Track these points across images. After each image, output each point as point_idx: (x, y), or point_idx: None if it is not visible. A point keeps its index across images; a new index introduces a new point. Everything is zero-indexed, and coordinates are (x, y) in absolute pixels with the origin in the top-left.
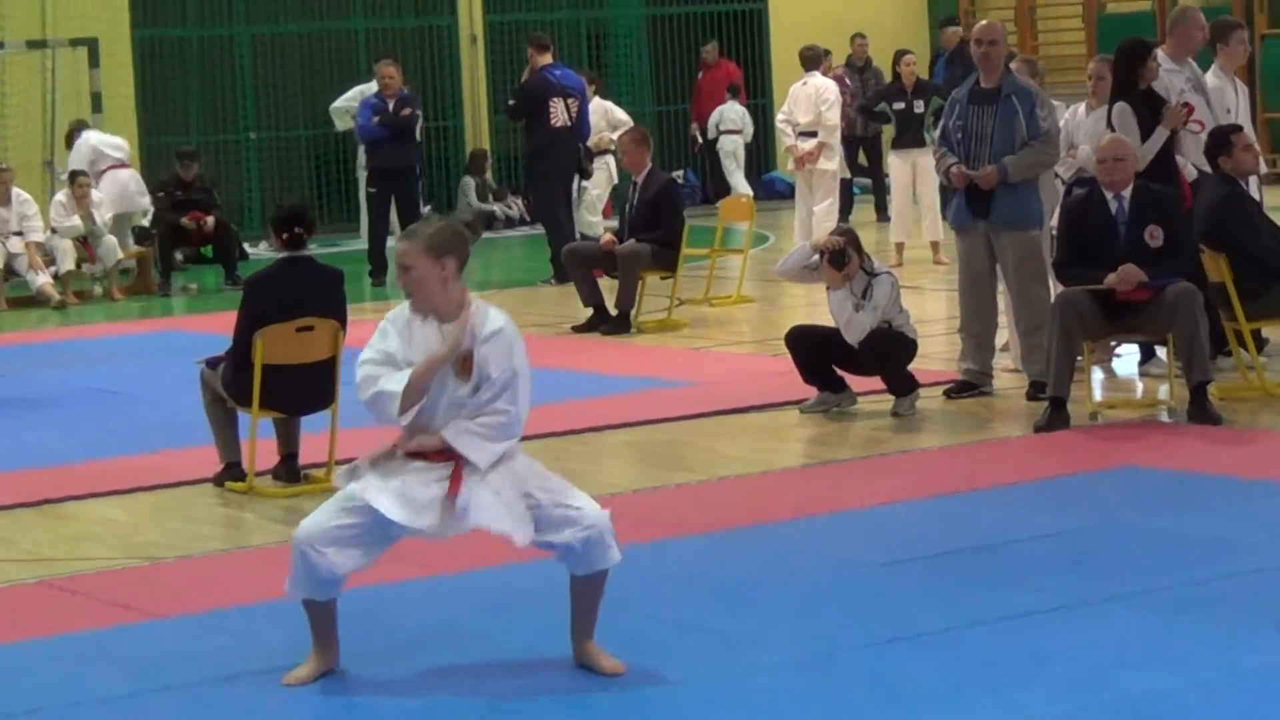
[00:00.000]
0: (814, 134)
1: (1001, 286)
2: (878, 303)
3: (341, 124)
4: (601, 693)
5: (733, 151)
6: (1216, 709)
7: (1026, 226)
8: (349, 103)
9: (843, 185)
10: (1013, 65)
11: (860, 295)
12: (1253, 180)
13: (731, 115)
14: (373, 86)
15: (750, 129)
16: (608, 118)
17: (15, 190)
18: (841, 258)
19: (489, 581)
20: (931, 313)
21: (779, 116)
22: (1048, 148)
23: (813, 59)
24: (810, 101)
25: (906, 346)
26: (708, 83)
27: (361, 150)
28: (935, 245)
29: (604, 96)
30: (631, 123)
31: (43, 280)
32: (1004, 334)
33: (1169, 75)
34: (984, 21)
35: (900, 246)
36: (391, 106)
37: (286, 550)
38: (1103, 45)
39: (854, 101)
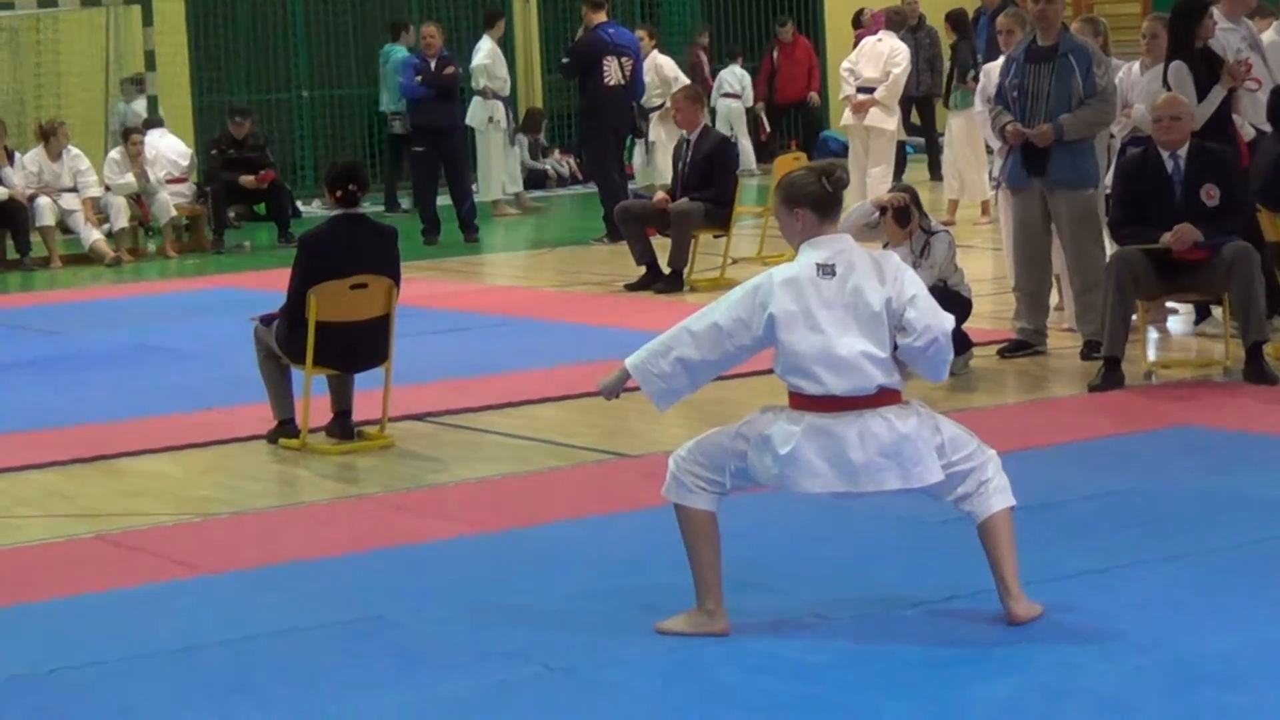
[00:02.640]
0: (873, 90)
1: (1056, 245)
2: (935, 261)
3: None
4: (653, 651)
5: (730, 117)
6: (1274, 669)
7: (1082, 185)
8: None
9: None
10: (1074, 25)
11: (919, 254)
12: None
13: (730, 79)
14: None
15: (750, 93)
16: (658, 74)
17: (68, 147)
18: (906, 214)
19: (533, 539)
20: (980, 272)
21: (843, 65)
22: (1104, 106)
23: (899, 21)
24: (881, 60)
25: (962, 306)
26: (785, 61)
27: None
28: (984, 204)
29: (661, 52)
30: (681, 79)
31: (96, 237)
32: (1058, 293)
33: (1225, 34)
34: None
35: (953, 204)
36: (434, 65)
37: (339, 506)
38: (1158, 4)
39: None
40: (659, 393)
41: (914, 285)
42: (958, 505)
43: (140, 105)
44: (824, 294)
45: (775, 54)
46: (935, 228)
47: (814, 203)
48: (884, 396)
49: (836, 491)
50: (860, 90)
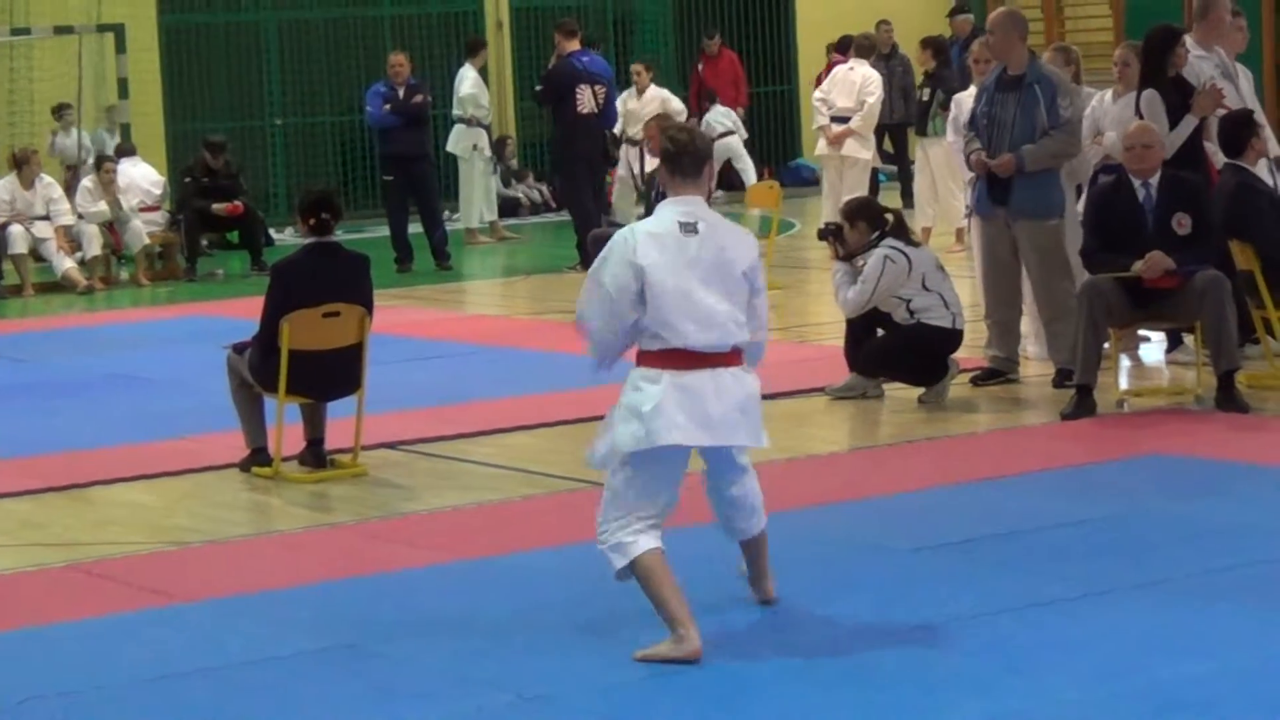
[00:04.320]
0: (847, 119)
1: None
2: (866, 275)
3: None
4: (627, 680)
5: (730, 153)
6: (1246, 695)
7: (1045, 215)
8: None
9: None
10: (1046, 54)
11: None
12: (1262, 164)
13: (721, 119)
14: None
15: (742, 129)
16: (665, 106)
17: (41, 175)
18: (838, 234)
19: (507, 567)
20: None
21: (816, 94)
22: (1067, 137)
23: (867, 48)
24: (853, 88)
25: (914, 337)
26: (709, 73)
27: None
28: (959, 232)
29: (658, 84)
30: (685, 112)
31: (68, 265)
32: (1029, 321)
33: (1198, 62)
34: (996, 10)
35: (926, 231)
36: (401, 94)
37: (312, 535)
38: (1130, 32)
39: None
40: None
41: (762, 284)
42: (730, 506)
43: (72, 139)
44: (688, 250)
45: (700, 65)
46: (887, 244)
47: (664, 159)
48: (734, 356)
49: (697, 446)
50: (835, 120)
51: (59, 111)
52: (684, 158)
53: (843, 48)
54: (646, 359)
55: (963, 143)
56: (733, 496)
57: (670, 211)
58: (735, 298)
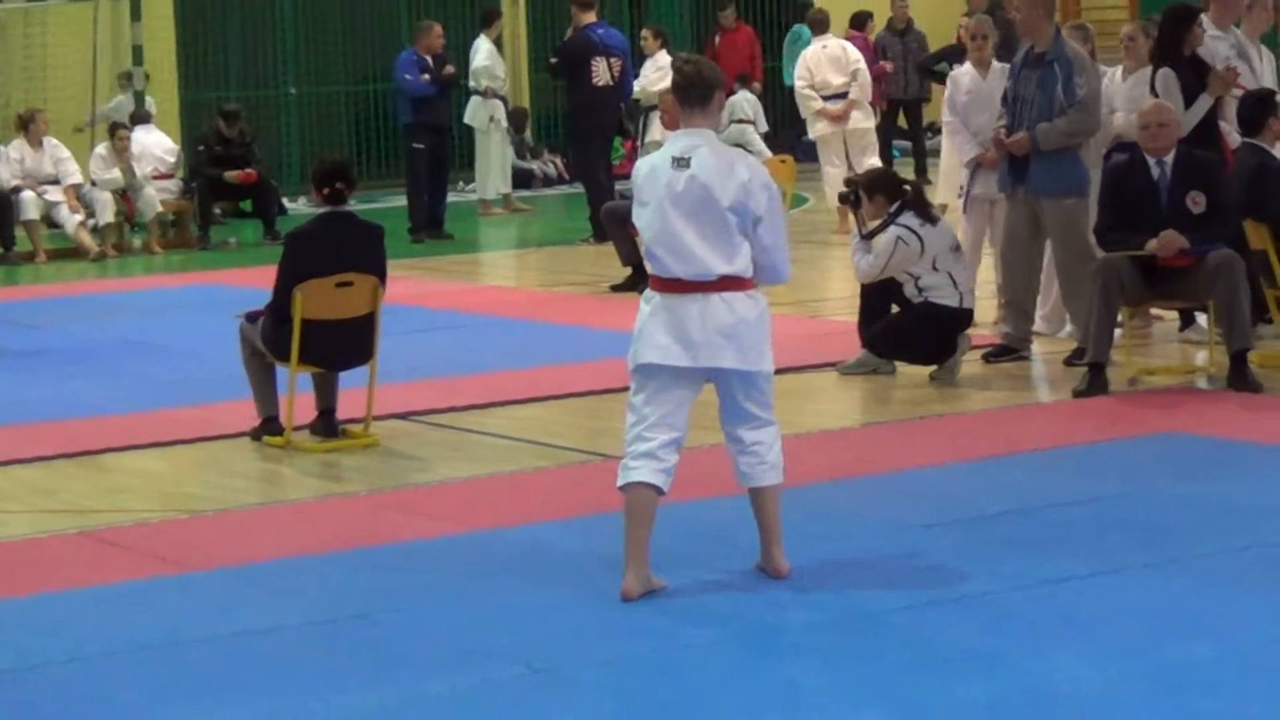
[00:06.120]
0: (844, 95)
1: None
2: (877, 252)
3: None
4: (636, 653)
5: (740, 139)
6: (1254, 677)
7: (1064, 193)
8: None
9: (882, 148)
10: (1063, 32)
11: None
12: None
13: (743, 105)
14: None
15: (763, 120)
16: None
17: (47, 138)
18: (855, 197)
19: (517, 539)
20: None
21: (798, 83)
22: (1083, 116)
23: (822, 23)
24: (837, 62)
25: (924, 316)
26: (726, 47)
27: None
28: None
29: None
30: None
31: (78, 219)
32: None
33: (1214, 41)
34: None
35: (943, 207)
36: (432, 63)
37: (323, 504)
38: (1145, 9)
39: (894, 63)
40: None
41: (768, 210)
42: (741, 451)
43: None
44: (675, 186)
45: (717, 39)
46: (904, 220)
47: (674, 90)
48: (727, 283)
49: (679, 366)
50: (832, 98)
51: (124, 78)
52: (692, 88)
53: (860, 24)
54: (650, 281)
55: (958, 121)
56: (741, 437)
57: (671, 146)
58: (715, 234)
